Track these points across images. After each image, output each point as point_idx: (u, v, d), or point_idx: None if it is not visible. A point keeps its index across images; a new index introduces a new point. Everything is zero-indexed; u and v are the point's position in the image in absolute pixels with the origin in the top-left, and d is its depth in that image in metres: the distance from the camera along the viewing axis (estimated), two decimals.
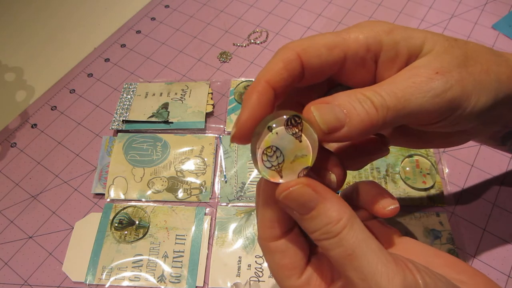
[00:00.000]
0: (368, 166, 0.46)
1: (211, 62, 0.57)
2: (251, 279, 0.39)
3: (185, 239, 0.42)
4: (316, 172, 0.22)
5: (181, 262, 0.41)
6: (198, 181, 0.46)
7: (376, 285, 0.18)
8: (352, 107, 0.20)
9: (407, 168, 0.45)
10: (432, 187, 0.43)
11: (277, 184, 0.21)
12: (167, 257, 0.41)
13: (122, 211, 0.44)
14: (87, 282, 0.40)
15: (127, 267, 0.41)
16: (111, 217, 0.44)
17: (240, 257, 0.41)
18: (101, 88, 0.56)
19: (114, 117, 0.51)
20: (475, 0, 0.60)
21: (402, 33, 0.23)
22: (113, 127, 0.50)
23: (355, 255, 0.19)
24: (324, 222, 0.20)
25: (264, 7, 0.63)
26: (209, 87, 0.53)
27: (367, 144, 0.26)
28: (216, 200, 0.45)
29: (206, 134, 0.50)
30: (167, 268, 0.41)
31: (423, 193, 0.43)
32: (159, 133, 0.50)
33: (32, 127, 0.53)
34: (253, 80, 0.56)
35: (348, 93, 0.21)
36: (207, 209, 0.44)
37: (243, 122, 0.21)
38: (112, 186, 0.46)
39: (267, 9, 0.63)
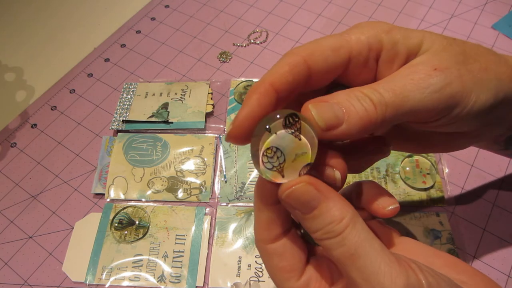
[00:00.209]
0: None
1: (211, 62, 0.57)
2: (251, 279, 0.39)
3: (185, 239, 0.42)
4: (320, 170, 0.22)
5: (181, 262, 0.41)
6: (198, 181, 0.46)
7: (379, 285, 0.18)
8: (350, 105, 0.20)
9: (407, 168, 0.45)
10: (432, 187, 0.43)
11: (278, 184, 0.21)
12: (167, 257, 0.41)
13: (122, 211, 0.44)
14: (87, 282, 0.40)
15: (127, 267, 0.41)
16: (111, 217, 0.44)
17: (240, 257, 0.41)
18: (101, 88, 0.56)
19: (114, 117, 0.51)
20: (475, 0, 0.60)
21: (401, 33, 0.23)
22: (113, 127, 0.50)
23: (358, 255, 0.19)
24: (326, 221, 0.20)
25: (264, 7, 0.63)
26: (209, 87, 0.53)
27: (368, 144, 0.26)
28: (216, 200, 0.45)
29: (206, 134, 0.50)
30: (167, 268, 0.41)
31: (423, 193, 0.43)
32: (159, 133, 0.50)
33: (32, 127, 0.53)
34: (253, 80, 0.56)
35: (346, 92, 0.21)
36: (207, 209, 0.44)
37: (240, 121, 0.21)
38: (112, 186, 0.46)
39: (267, 9, 0.63)
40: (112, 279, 0.40)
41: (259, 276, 0.40)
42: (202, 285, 0.40)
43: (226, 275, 0.40)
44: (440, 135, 0.27)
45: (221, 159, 0.47)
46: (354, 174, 0.45)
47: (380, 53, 0.23)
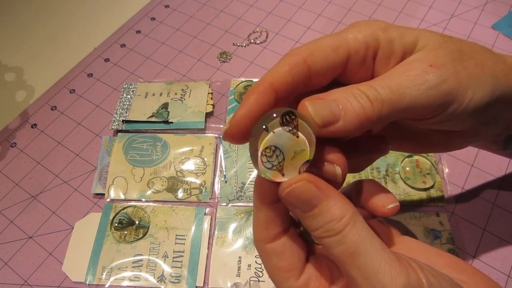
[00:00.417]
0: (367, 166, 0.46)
1: (211, 62, 0.57)
2: (251, 279, 0.39)
3: (185, 239, 0.42)
4: (320, 167, 0.22)
5: (181, 262, 0.41)
6: (198, 181, 0.46)
7: (379, 284, 0.18)
8: (347, 102, 0.20)
9: (407, 168, 0.45)
10: (432, 187, 0.43)
11: (278, 183, 0.21)
12: (167, 257, 0.41)
13: (122, 211, 0.44)
14: (87, 282, 0.40)
15: (127, 267, 0.41)
16: (111, 217, 0.44)
17: (240, 257, 0.41)
18: (101, 88, 0.56)
19: (114, 117, 0.51)
20: (475, 0, 0.60)
21: (397, 31, 0.23)
22: (113, 127, 0.50)
23: (358, 253, 0.19)
24: (327, 219, 0.20)
25: (264, 7, 0.63)
26: (209, 87, 0.53)
27: (367, 143, 0.26)
28: (216, 200, 0.45)
29: (206, 134, 0.50)
30: (167, 268, 0.41)
31: (423, 193, 0.43)
32: (159, 133, 0.50)
33: (32, 127, 0.53)
34: (253, 80, 0.56)
35: (343, 89, 0.21)
36: (207, 209, 0.44)
37: (237, 120, 0.21)
38: (112, 186, 0.46)
39: (267, 9, 0.63)
40: (112, 279, 0.40)
41: (259, 276, 0.40)
42: (202, 285, 0.40)
43: (226, 275, 0.40)
44: (438, 134, 0.27)
45: (221, 159, 0.47)
46: (354, 174, 0.45)
47: (377, 51, 0.23)
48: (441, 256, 0.23)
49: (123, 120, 0.51)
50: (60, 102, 0.55)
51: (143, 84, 0.54)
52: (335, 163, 0.22)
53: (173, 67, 0.57)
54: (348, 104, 0.20)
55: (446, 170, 0.45)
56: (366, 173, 0.45)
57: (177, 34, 0.61)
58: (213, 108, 0.52)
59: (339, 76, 0.24)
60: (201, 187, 0.46)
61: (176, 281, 0.40)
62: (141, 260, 0.41)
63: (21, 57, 0.61)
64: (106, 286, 0.40)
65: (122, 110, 0.52)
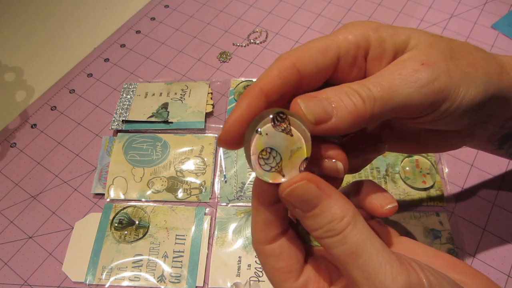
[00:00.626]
0: (367, 166, 0.46)
1: (211, 62, 0.57)
2: (251, 279, 0.39)
3: (185, 239, 0.42)
4: (321, 164, 0.22)
5: (181, 262, 0.41)
6: (198, 181, 0.46)
7: (380, 284, 0.18)
8: (339, 99, 0.21)
9: (407, 168, 0.45)
10: (432, 187, 0.43)
11: (277, 185, 0.21)
12: (167, 257, 0.41)
13: (122, 211, 0.44)
14: (87, 282, 0.40)
15: (127, 267, 0.41)
16: (111, 217, 0.44)
17: (240, 257, 0.41)
18: (100, 88, 0.56)
19: (114, 117, 0.51)
20: (474, 0, 0.60)
21: (388, 31, 0.23)
22: (112, 127, 0.50)
23: (359, 253, 0.19)
24: (327, 219, 0.20)
25: (264, 7, 0.63)
26: (209, 87, 0.53)
27: (363, 142, 0.26)
28: (216, 200, 0.45)
29: (206, 134, 0.50)
30: (167, 268, 0.41)
31: (423, 193, 0.43)
32: (159, 133, 0.50)
33: (32, 127, 0.53)
34: (253, 80, 0.56)
35: (335, 87, 0.21)
36: (207, 209, 0.44)
37: (230, 125, 0.21)
38: (112, 186, 0.46)
39: (267, 9, 0.63)
40: (112, 279, 0.40)
41: (259, 276, 0.40)
42: (202, 285, 0.40)
43: (226, 275, 0.40)
44: (433, 134, 0.27)
45: (221, 159, 0.47)
46: (354, 174, 0.45)
47: (368, 51, 0.23)
48: (440, 257, 0.23)
49: (123, 120, 0.51)
50: (60, 102, 0.55)
51: (143, 84, 0.54)
52: (335, 158, 0.22)
53: (173, 67, 0.57)
54: (340, 102, 0.21)
55: (446, 170, 0.45)
56: (366, 173, 0.45)
57: (177, 34, 0.61)
58: (213, 108, 0.52)
59: (331, 77, 0.24)
60: (201, 187, 0.46)
61: (176, 281, 0.40)
62: (141, 260, 0.41)
63: (21, 57, 0.61)
64: (106, 286, 0.40)
65: (122, 110, 0.52)
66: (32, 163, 0.49)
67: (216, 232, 0.42)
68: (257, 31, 0.60)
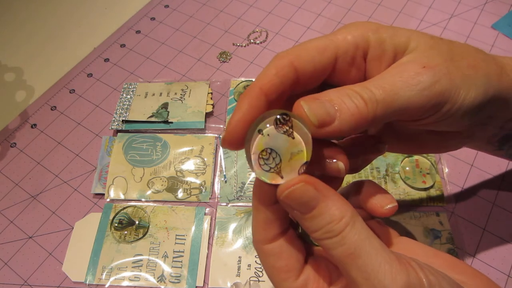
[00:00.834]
0: (367, 166, 0.46)
1: (211, 62, 0.57)
2: (251, 279, 0.39)
3: (185, 239, 0.42)
4: (322, 164, 0.22)
5: (181, 262, 0.41)
6: (198, 181, 0.46)
7: (379, 284, 0.18)
8: (342, 102, 0.21)
9: (407, 168, 0.45)
10: (432, 186, 0.43)
11: (277, 185, 0.21)
12: (167, 257, 0.41)
13: (122, 211, 0.44)
14: (87, 282, 0.40)
15: (127, 267, 0.41)
16: (111, 217, 0.44)
17: (240, 257, 0.41)
18: (100, 88, 0.56)
19: (114, 117, 0.51)
20: (474, 0, 0.60)
21: (388, 32, 0.23)
22: (112, 127, 0.50)
23: (358, 254, 0.19)
24: (326, 220, 0.20)
25: (264, 7, 0.63)
26: (209, 87, 0.53)
27: (364, 143, 0.26)
28: (216, 200, 0.45)
29: (206, 134, 0.50)
30: (167, 268, 0.41)
31: (423, 193, 0.43)
32: (159, 133, 0.50)
33: (32, 127, 0.53)
34: (253, 80, 0.56)
35: (337, 89, 0.21)
36: (207, 209, 0.44)
37: (233, 126, 0.21)
38: (112, 186, 0.46)
39: (267, 9, 0.63)
40: (112, 279, 0.40)
41: (259, 276, 0.40)
42: (202, 285, 0.40)
43: (226, 275, 0.40)
44: (433, 135, 0.27)
45: (221, 159, 0.47)
46: (354, 174, 0.45)
47: (367, 52, 0.23)
48: (440, 257, 0.23)
49: (123, 120, 0.51)
50: (60, 102, 0.55)
51: (143, 84, 0.54)
52: (336, 158, 0.22)
53: (173, 67, 0.57)
54: (343, 104, 0.21)
55: (446, 170, 0.45)
56: (366, 173, 0.45)
57: (177, 34, 0.61)
58: (213, 108, 0.52)
59: (330, 77, 0.24)
60: (201, 187, 0.46)
61: (176, 281, 0.40)
62: (141, 260, 0.41)
63: (21, 57, 0.61)
64: (106, 286, 0.40)
65: (122, 110, 0.52)
66: (32, 163, 0.49)
67: (216, 232, 0.42)
68: (257, 31, 0.60)
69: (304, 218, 0.21)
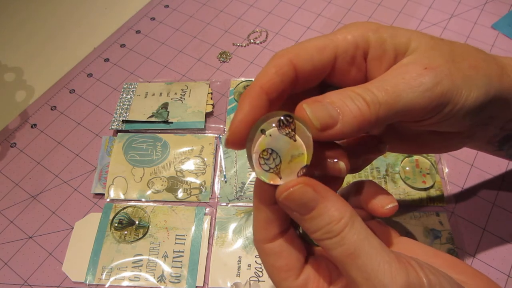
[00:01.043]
0: (367, 166, 0.46)
1: (211, 62, 0.57)
2: (251, 279, 0.39)
3: (185, 239, 0.42)
4: (323, 164, 0.22)
5: (181, 262, 0.41)
6: (198, 181, 0.46)
7: (379, 283, 0.18)
8: (344, 104, 0.21)
9: (407, 168, 0.45)
10: (432, 186, 0.43)
11: (276, 186, 0.21)
12: (167, 257, 0.41)
13: (122, 211, 0.44)
14: (87, 282, 0.40)
15: (127, 267, 0.41)
16: (111, 217, 0.44)
17: (240, 257, 0.41)
18: (100, 88, 0.56)
19: (114, 117, 0.51)
20: (474, 0, 0.60)
21: (388, 32, 0.23)
22: (112, 127, 0.50)
23: (357, 254, 0.19)
24: (325, 221, 0.20)
25: (264, 7, 0.63)
26: (209, 87, 0.53)
27: (364, 143, 0.26)
28: (216, 200, 0.45)
29: (206, 134, 0.50)
30: (167, 268, 0.41)
31: (423, 193, 0.43)
32: (159, 133, 0.50)
33: (32, 127, 0.53)
34: (253, 80, 0.56)
35: (339, 91, 0.21)
36: (207, 209, 0.44)
37: (235, 126, 0.21)
38: (112, 186, 0.46)
39: (267, 9, 0.63)
40: (112, 279, 0.40)
41: (259, 276, 0.40)
42: (202, 285, 0.40)
43: (226, 275, 0.40)
44: (433, 135, 0.27)
45: (221, 159, 0.47)
46: (354, 174, 0.45)
47: (368, 51, 0.23)
48: (440, 257, 0.23)
49: (123, 120, 0.51)
50: (60, 102, 0.55)
51: (143, 84, 0.54)
52: (337, 158, 0.22)
53: (173, 67, 0.57)
54: (345, 107, 0.20)
55: (446, 170, 0.45)
56: (366, 173, 0.45)
57: (177, 34, 0.61)
58: (213, 108, 0.52)
59: (330, 76, 0.24)
60: (201, 187, 0.46)
61: (176, 281, 0.40)
62: (141, 260, 0.41)
63: (21, 57, 0.61)
64: (106, 286, 0.40)
65: (122, 110, 0.52)
66: (32, 163, 0.49)
67: (216, 232, 0.42)
68: (257, 31, 0.60)
69: (304, 219, 0.21)
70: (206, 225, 0.43)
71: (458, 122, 0.23)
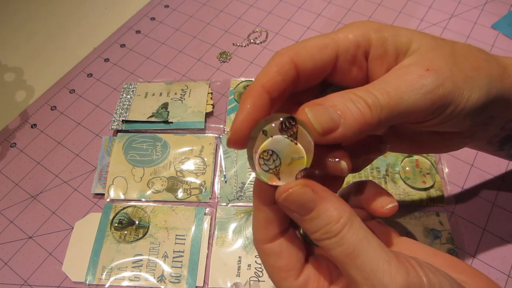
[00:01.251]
0: (368, 166, 0.46)
1: (211, 62, 0.57)
2: (251, 279, 0.39)
3: (185, 239, 0.42)
4: (324, 164, 0.22)
5: (181, 262, 0.41)
6: (198, 181, 0.46)
7: (378, 283, 0.18)
8: (345, 107, 0.20)
9: (407, 168, 0.45)
10: (432, 187, 0.43)
11: (275, 186, 0.21)
12: (167, 257, 0.41)
13: (122, 211, 0.44)
14: (87, 282, 0.40)
15: (127, 267, 0.41)
16: (111, 217, 0.44)
17: (240, 257, 0.41)
18: (100, 88, 0.56)
19: (114, 117, 0.51)
20: (474, 0, 0.60)
21: (390, 31, 0.23)
22: (112, 127, 0.50)
23: (356, 253, 0.19)
24: (324, 222, 0.20)
25: (264, 7, 0.63)
26: (209, 87, 0.53)
27: (365, 143, 0.26)
28: (216, 200, 0.45)
29: (206, 134, 0.50)
30: (167, 268, 0.41)
31: (423, 193, 0.43)
32: (159, 133, 0.50)
33: (32, 127, 0.53)
34: (253, 80, 0.56)
35: (340, 94, 0.21)
36: (207, 209, 0.44)
37: (237, 126, 0.21)
38: (112, 186, 0.46)
39: (267, 9, 0.63)
40: (112, 279, 0.40)
41: (259, 276, 0.40)
42: (202, 285, 0.40)
43: (226, 275, 0.40)
44: (434, 135, 0.27)
45: (221, 159, 0.47)
46: (354, 174, 0.45)
47: (369, 51, 0.23)
48: (440, 257, 0.23)
49: (123, 120, 0.51)
50: (60, 102, 0.55)
51: (143, 84, 0.54)
52: (338, 158, 0.22)
53: (173, 67, 0.57)
54: (347, 110, 0.20)
55: (446, 170, 0.45)
56: (366, 173, 0.45)
57: (177, 34, 0.61)
58: (213, 108, 0.52)
59: (331, 75, 0.24)
60: (201, 187, 0.46)
61: (176, 281, 0.40)
62: (141, 260, 0.41)
63: (20, 57, 0.61)
64: (106, 286, 0.40)
65: (122, 110, 0.52)
66: (32, 163, 0.49)
67: (216, 232, 0.42)
68: (257, 31, 0.60)
69: (303, 219, 0.21)
70: (206, 225, 0.43)
71: (459, 122, 0.23)
